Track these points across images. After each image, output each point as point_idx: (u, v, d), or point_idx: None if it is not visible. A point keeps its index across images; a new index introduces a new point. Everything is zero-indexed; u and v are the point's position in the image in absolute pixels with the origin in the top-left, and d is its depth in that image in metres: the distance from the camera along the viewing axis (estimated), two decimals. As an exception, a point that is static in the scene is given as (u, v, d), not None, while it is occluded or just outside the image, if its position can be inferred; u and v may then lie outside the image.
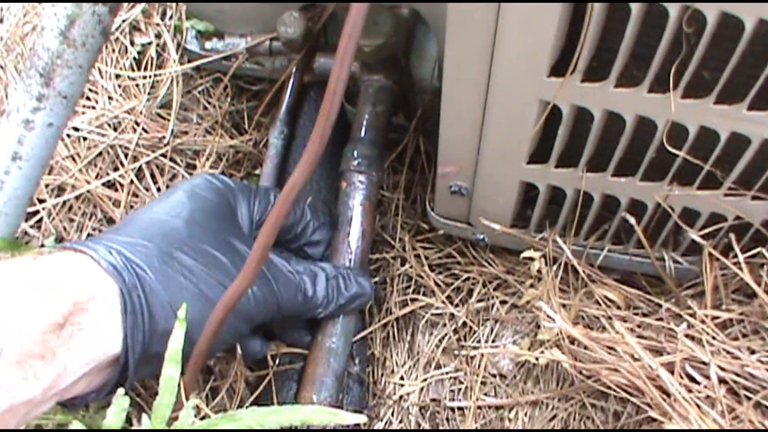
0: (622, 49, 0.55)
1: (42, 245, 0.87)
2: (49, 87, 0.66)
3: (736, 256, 0.71)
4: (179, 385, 0.61)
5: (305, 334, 0.78)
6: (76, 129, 0.94)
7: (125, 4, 1.02)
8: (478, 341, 0.89)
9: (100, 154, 0.94)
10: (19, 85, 0.67)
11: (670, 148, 0.62)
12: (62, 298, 0.55)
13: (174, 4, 1.01)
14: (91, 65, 0.69)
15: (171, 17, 1.02)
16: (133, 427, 0.74)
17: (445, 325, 0.90)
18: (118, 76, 0.99)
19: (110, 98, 0.97)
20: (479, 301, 0.91)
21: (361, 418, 0.62)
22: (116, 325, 0.58)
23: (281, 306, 0.69)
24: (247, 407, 0.71)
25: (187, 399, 0.63)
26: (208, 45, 0.97)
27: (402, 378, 0.87)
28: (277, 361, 0.79)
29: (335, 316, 0.76)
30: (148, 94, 0.98)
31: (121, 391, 0.59)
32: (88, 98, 0.98)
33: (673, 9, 0.51)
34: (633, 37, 0.54)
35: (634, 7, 0.52)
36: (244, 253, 0.67)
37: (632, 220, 0.73)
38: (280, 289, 0.69)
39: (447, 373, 0.87)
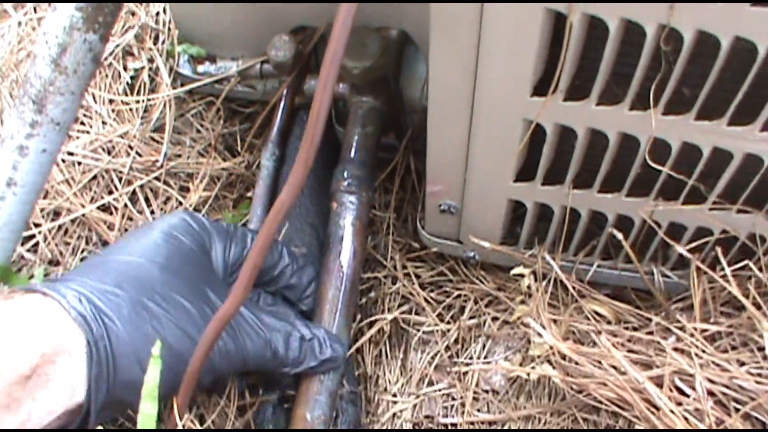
0: (602, 68, 0.56)
1: (31, 276, 0.87)
2: (42, 114, 0.67)
3: (723, 269, 0.71)
4: (158, 419, 0.61)
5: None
6: (70, 153, 0.95)
7: (116, 30, 1.03)
8: (470, 358, 0.89)
9: (94, 178, 0.94)
10: (13, 112, 0.68)
11: (653, 164, 0.63)
12: (30, 349, 0.55)
13: (167, 30, 1.02)
14: (84, 91, 0.69)
15: (163, 42, 1.03)
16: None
17: (437, 342, 0.91)
18: (111, 101, 1.00)
19: (104, 123, 0.98)
20: (471, 317, 0.91)
21: None
22: (81, 376, 0.58)
23: (247, 361, 0.68)
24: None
25: (181, 420, 0.63)
26: (200, 69, 0.98)
27: (395, 395, 0.88)
28: (260, 391, 0.80)
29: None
30: (142, 118, 0.99)
31: None
32: (82, 123, 0.98)
33: (650, 28, 0.52)
34: (612, 56, 0.55)
35: (612, 27, 0.53)
36: (215, 302, 0.66)
37: (620, 236, 0.73)
38: (247, 345, 0.67)
39: (440, 389, 0.88)
